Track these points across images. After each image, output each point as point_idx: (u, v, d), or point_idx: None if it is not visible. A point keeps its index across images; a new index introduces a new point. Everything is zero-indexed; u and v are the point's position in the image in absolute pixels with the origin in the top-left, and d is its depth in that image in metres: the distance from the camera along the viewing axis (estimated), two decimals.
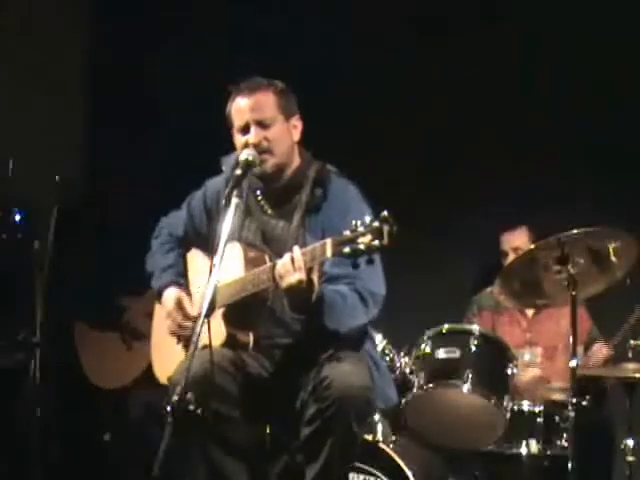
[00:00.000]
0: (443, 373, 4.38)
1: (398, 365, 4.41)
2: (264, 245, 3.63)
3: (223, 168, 3.76)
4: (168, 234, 3.91)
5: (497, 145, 5.61)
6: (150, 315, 3.99)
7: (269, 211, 3.67)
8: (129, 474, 5.14)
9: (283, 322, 3.56)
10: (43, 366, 4.64)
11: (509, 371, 4.45)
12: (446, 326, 4.50)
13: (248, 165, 3.49)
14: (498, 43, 5.58)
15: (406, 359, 4.44)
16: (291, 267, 3.27)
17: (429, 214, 5.54)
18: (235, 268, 3.49)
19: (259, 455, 3.68)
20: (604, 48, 5.36)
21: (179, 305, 3.69)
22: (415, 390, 4.37)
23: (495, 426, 4.38)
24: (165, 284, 3.77)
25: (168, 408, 2.97)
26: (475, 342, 4.41)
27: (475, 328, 4.51)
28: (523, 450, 4.52)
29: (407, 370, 4.41)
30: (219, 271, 3.18)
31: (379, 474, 4.12)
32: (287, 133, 3.61)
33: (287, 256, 3.29)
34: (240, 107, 3.59)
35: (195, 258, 3.86)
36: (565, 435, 4.45)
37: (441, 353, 4.41)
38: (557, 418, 4.53)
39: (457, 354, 4.39)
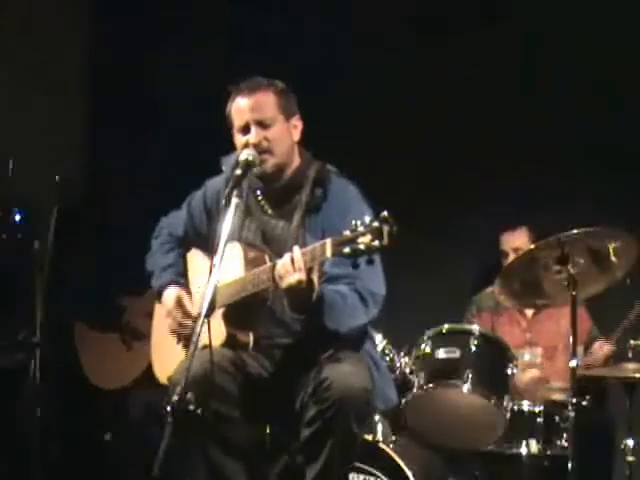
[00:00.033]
0: (443, 373, 4.38)
1: (398, 365, 4.41)
2: (264, 245, 3.63)
3: (223, 168, 3.76)
4: (168, 234, 3.91)
5: (497, 145, 5.61)
6: (150, 315, 4.00)
7: (269, 211, 3.67)
8: (129, 474, 5.14)
9: (283, 322, 3.56)
10: (43, 366, 4.64)
11: (509, 371, 4.45)
12: (446, 326, 4.50)
13: (248, 165, 3.49)
14: (498, 43, 5.58)
15: (406, 359, 4.44)
16: (291, 267, 3.27)
17: (429, 214, 5.54)
18: (235, 268, 3.49)
19: (259, 455, 3.68)
20: (604, 48, 5.36)
21: (179, 304, 3.69)
22: (415, 390, 4.37)
23: (495, 426, 4.37)
24: (165, 283, 3.77)
25: (168, 408, 2.97)
26: (475, 342, 4.41)
27: (475, 328, 4.51)
28: (523, 450, 4.52)
29: (407, 370, 4.41)
30: (219, 271, 3.18)
31: (379, 474, 4.12)
32: (287, 133, 3.61)
33: (287, 256, 3.29)
34: (240, 107, 3.59)
35: (195, 258, 3.86)
36: (565, 435, 4.45)
37: (441, 353, 4.41)
38: (557, 418, 4.53)
39: (457, 354, 4.39)
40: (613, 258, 4.12)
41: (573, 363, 4.05)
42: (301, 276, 3.26)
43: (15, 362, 4.84)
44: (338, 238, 3.12)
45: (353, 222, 3.09)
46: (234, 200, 3.35)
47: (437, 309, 5.20)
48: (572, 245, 4.07)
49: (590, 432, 4.33)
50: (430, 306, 5.35)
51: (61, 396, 5.28)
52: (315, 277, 3.31)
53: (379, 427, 4.26)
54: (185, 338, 3.67)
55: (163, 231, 3.93)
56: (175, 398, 2.98)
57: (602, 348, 4.81)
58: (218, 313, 3.41)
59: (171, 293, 3.73)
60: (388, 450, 4.18)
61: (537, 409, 4.55)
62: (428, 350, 4.43)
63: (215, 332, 3.18)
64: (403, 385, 4.37)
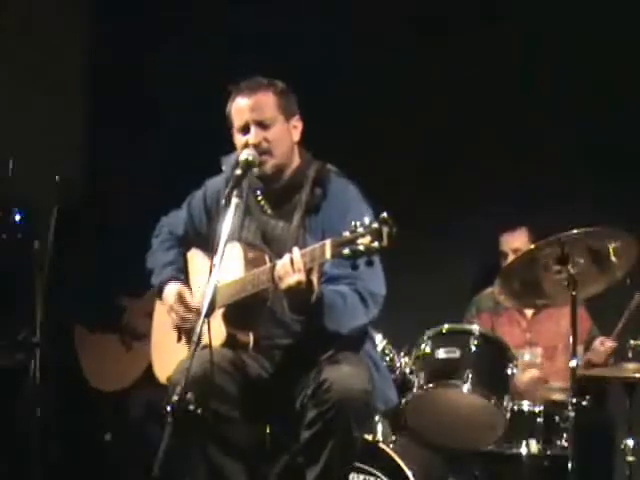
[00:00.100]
0: (443, 373, 4.38)
1: (398, 365, 4.41)
2: (264, 245, 3.63)
3: (223, 168, 3.76)
4: (168, 232, 3.91)
5: (497, 145, 5.61)
6: (150, 315, 4.00)
7: (269, 211, 3.67)
8: (129, 474, 5.13)
9: (283, 323, 3.55)
10: (43, 366, 4.64)
11: (509, 371, 4.45)
12: (446, 326, 4.50)
13: (248, 165, 3.49)
14: (498, 43, 5.58)
15: (406, 359, 4.44)
16: (290, 268, 3.26)
17: (429, 214, 5.54)
18: (235, 268, 3.49)
19: (259, 455, 3.68)
20: (604, 48, 5.36)
21: (181, 298, 3.69)
22: (415, 390, 4.37)
23: (495, 426, 4.37)
24: (166, 279, 3.77)
25: (168, 408, 2.97)
26: (475, 342, 4.41)
27: (475, 328, 4.51)
28: (523, 450, 4.52)
29: (407, 370, 4.41)
30: (219, 271, 3.18)
31: (379, 474, 4.12)
32: (287, 133, 3.61)
33: (286, 257, 3.29)
34: (240, 107, 3.58)
35: (195, 258, 3.86)
36: (565, 435, 4.45)
37: (441, 353, 4.41)
38: (557, 418, 4.53)
39: (457, 354, 4.39)
40: (613, 258, 4.12)
41: (573, 363, 4.05)
42: (300, 277, 3.25)
43: (15, 362, 4.84)
44: (337, 239, 3.12)
45: (352, 223, 3.08)
46: (234, 200, 3.36)
47: (437, 309, 5.20)
48: (572, 245, 4.07)
49: (590, 432, 4.33)
50: (430, 306, 5.35)
51: (61, 396, 5.28)
52: (315, 278, 3.31)
53: (379, 427, 4.26)
54: (187, 333, 3.67)
55: (163, 230, 3.94)
56: (175, 398, 2.98)
57: (604, 344, 4.81)
58: (218, 313, 3.41)
59: (172, 289, 3.73)
60: (388, 450, 4.18)
61: (537, 409, 4.55)
62: (428, 350, 4.43)
63: (215, 332, 3.18)
64: (403, 385, 4.37)
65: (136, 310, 5.34)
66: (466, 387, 4.32)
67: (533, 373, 4.95)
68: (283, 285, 3.30)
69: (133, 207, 5.45)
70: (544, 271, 4.21)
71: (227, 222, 3.30)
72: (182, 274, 3.81)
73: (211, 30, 5.92)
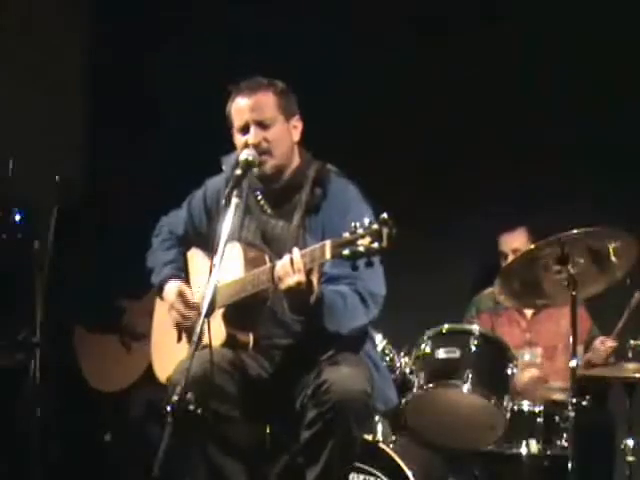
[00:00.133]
0: (443, 373, 4.38)
1: (398, 365, 4.41)
2: (264, 245, 3.63)
3: (223, 168, 3.76)
4: (168, 232, 3.91)
5: (497, 145, 5.61)
6: (150, 315, 3.99)
7: (269, 211, 3.67)
8: (129, 474, 5.13)
9: (283, 323, 3.55)
10: (43, 366, 4.64)
11: (509, 371, 4.45)
12: (446, 326, 4.50)
13: (248, 165, 3.49)
14: (498, 43, 5.58)
15: (406, 359, 4.44)
16: (290, 269, 3.26)
17: (429, 214, 5.54)
18: (235, 268, 3.49)
19: (259, 455, 3.68)
20: (604, 48, 5.36)
21: (181, 296, 3.68)
22: (415, 390, 4.37)
23: (495, 426, 4.37)
24: (166, 277, 3.77)
25: (168, 408, 2.97)
26: (475, 342, 4.41)
27: (475, 328, 4.51)
28: (523, 450, 4.52)
29: (407, 370, 4.41)
30: (219, 271, 3.18)
31: (379, 474, 4.12)
32: (287, 133, 3.60)
33: (286, 258, 3.29)
34: (240, 107, 3.58)
35: (195, 258, 3.86)
36: (565, 435, 4.45)
37: (441, 353, 4.41)
38: (557, 418, 4.53)
39: (457, 354, 4.39)
40: (613, 258, 4.12)
41: (573, 363, 4.05)
42: (300, 278, 3.25)
43: (15, 362, 4.84)
44: (337, 240, 3.12)
45: (352, 224, 3.08)
46: (234, 200, 3.35)
47: (437, 309, 5.20)
48: (572, 245, 4.07)
49: (590, 432, 4.32)
50: (430, 306, 5.35)
51: (61, 396, 5.28)
52: (315, 279, 3.31)
53: (379, 427, 4.26)
54: (188, 331, 3.66)
55: (164, 229, 3.94)
56: (175, 398, 2.98)
57: (604, 344, 4.81)
58: (218, 313, 3.41)
59: (172, 286, 3.73)
60: (388, 450, 4.18)
61: (537, 409, 4.55)
62: (428, 350, 4.43)
63: (215, 332, 3.19)
64: (403, 385, 4.37)
65: (136, 310, 5.34)
66: (466, 387, 4.32)
67: (533, 373, 4.94)
68: (283, 285, 3.30)
69: (133, 207, 5.45)
70: (544, 271, 4.21)
71: (227, 222, 3.30)
72: (182, 273, 3.81)
73: (211, 30, 5.92)
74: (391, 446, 4.23)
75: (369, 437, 4.19)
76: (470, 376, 4.32)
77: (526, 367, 4.96)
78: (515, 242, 5.20)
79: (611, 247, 4.09)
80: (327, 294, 3.38)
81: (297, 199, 3.61)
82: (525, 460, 4.53)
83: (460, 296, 5.47)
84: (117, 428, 5.42)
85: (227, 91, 3.64)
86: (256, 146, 3.52)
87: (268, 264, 3.43)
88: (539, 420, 4.53)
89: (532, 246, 4.28)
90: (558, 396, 4.75)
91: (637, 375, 4.32)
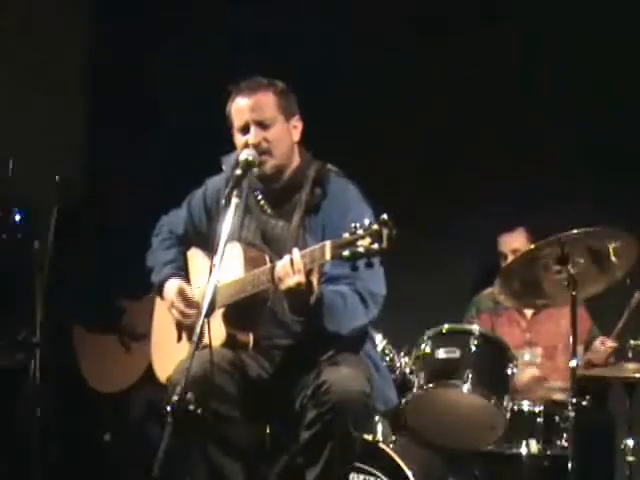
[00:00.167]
0: (443, 373, 4.38)
1: (398, 365, 4.41)
2: (264, 245, 3.63)
3: (223, 168, 3.76)
4: (168, 231, 3.91)
5: (497, 145, 5.61)
6: (150, 316, 3.99)
7: (269, 211, 3.67)
8: (129, 474, 5.13)
9: (283, 323, 3.55)
10: (43, 366, 4.64)
11: (509, 371, 4.45)
12: (446, 326, 4.50)
13: (248, 165, 3.49)
14: (498, 43, 5.58)
15: (406, 359, 4.44)
16: (290, 269, 3.26)
17: (429, 214, 5.54)
18: (235, 268, 3.49)
19: (259, 455, 3.68)
20: (604, 48, 5.36)
21: (181, 293, 3.68)
22: (415, 390, 4.37)
23: (495, 426, 4.37)
24: (166, 276, 3.77)
25: (168, 408, 2.97)
26: (475, 342, 4.41)
27: (475, 328, 4.51)
28: (523, 450, 4.52)
29: (407, 370, 4.41)
30: (219, 271, 3.18)
31: (379, 474, 4.12)
32: (287, 133, 3.60)
33: (286, 258, 3.29)
34: (240, 107, 3.58)
35: (195, 257, 3.86)
36: (565, 435, 4.45)
37: (441, 353, 4.41)
38: (557, 418, 4.53)
39: (457, 354, 4.39)
40: (613, 258, 4.12)
41: (573, 363, 4.05)
42: (300, 278, 3.25)
43: (15, 362, 4.84)
44: (337, 241, 3.12)
45: (352, 225, 3.08)
46: (234, 200, 3.35)
47: (437, 309, 5.20)
48: (572, 245, 4.07)
49: (590, 432, 4.32)
50: (430, 306, 5.35)
51: (61, 396, 5.28)
52: (314, 279, 3.30)
53: (379, 427, 4.26)
54: (189, 330, 3.66)
55: (163, 229, 3.94)
56: (175, 398, 2.98)
57: (604, 344, 4.81)
58: (218, 313, 3.41)
59: (172, 284, 3.73)
60: (388, 450, 4.18)
61: (537, 409, 4.55)
62: (428, 350, 4.43)
63: (215, 332, 3.18)
64: (403, 385, 4.37)
65: (136, 311, 5.34)
66: (466, 387, 4.32)
67: (533, 371, 4.94)
68: (283, 286, 3.30)
69: (133, 207, 5.44)
70: (544, 271, 4.20)
71: (227, 222, 3.30)
72: (182, 272, 3.81)
73: (211, 30, 5.92)
74: (391, 446, 4.23)
75: (369, 437, 4.19)
76: (470, 376, 4.32)
77: (526, 367, 4.96)
78: (514, 242, 5.20)
79: (611, 247, 4.09)
80: (327, 294, 3.38)
81: (297, 199, 3.61)
82: (525, 460, 4.53)
83: (460, 296, 5.47)
84: (117, 428, 5.42)
85: (227, 91, 3.64)
86: (256, 146, 3.52)
87: (268, 264, 3.43)
88: (539, 420, 4.53)
89: (532, 246, 4.28)
90: (558, 396, 4.75)
91: (637, 375, 4.32)
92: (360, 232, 3.06)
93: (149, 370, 3.93)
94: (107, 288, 5.36)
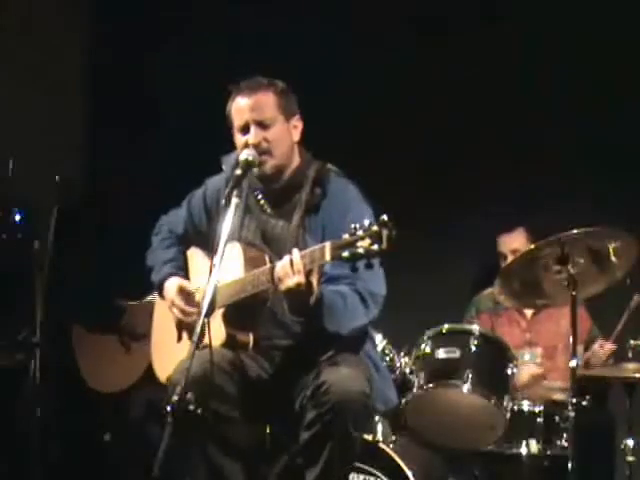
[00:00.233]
0: (443, 373, 4.38)
1: (398, 365, 4.41)
2: (264, 245, 3.63)
3: (223, 167, 3.76)
4: (168, 231, 3.91)
5: (497, 145, 5.61)
6: (150, 316, 3.99)
7: (269, 210, 3.67)
8: (129, 474, 5.13)
9: (283, 323, 3.55)
10: (43, 366, 4.64)
11: (509, 371, 4.46)
12: (446, 326, 4.50)
13: (248, 165, 3.49)
14: (498, 43, 5.58)
15: (406, 359, 4.44)
16: (290, 270, 3.26)
17: (429, 214, 5.54)
18: (235, 268, 3.49)
19: (259, 455, 3.68)
20: (604, 48, 5.36)
21: (182, 291, 3.68)
22: (415, 390, 4.37)
23: (495, 426, 4.37)
24: (166, 275, 3.77)
25: (168, 408, 2.97)
26: (475, 342, 4.41)
27: (475, 328, 4.52)
28: (523, 450, 4.52)
29: (407, 370, 4.41)
30: (219, 271, 3.18)
31: (379, 474, 4.12)
32: (287, 133, 3.60)
33: (286, 259, 3.29)
34: (240, 107, 3.58)
35: (195, 257, 3.86)
36: (565, 435, 4.45)
37: (441, 353, 4.41)
38: (557, 418, 4.53)
39: (457, 354, 4.39)
40: (613, 258, 4.12)
41: (573, 363, 4.05)
42: (300, 279, 3.25)
43: (15, 362, 4.84)
44: (337, 242, 3.12)
45: (352, 226, 3.08)
46: (234, 200, 3.35)
47: (437, 309, 5.20)
48: (572, 245, 4.07)
49: (590, 432, 4.32)
50: (430, 306, 5.35)
51: (61, 396, 5.27)
52: (314, 280, 3.30)
53: (379, 427, 4.26)
54: (189, 328, 3.65)
55: (163, 228, 3.94)
56: (175, 398, 2.98)
57: (603, 347, 4.81)
58: (218, 313, 3.41)
59: (172, 283, 3.72)
60: (388, 450, 4.18)
61: (537, 409, 4.55)
62: (428, 350, 4.43)
63: (215, 332, 3.18)
64: (403, 385, 4.37)
65: (135, 311, 5.33)
66: (466, 387, 4.32)
67: (532, 370, 4.94)
68: (283, 286, 3.29)
69: (133, 207, 5.44)
70: (544, 271, 4.21)
71: (227, 222, 3.30)
72: (182, 271, 3.81)
73: (211, 30, 5.92)
74: (391, 446, 4.23)
75: (369, 437, 4.19)
76: (470, 376, 4.32)
77: (526, 366, 4.96)
78: (514, 243, 5.20)
79: (611, 247, 4.09)
80: (327, 294, 3.38)
81: (297, 199, 3.61)
82: (525, 460, 4.53)
83: (460, 296, 5.47)
84: (117, 428, 5.41)
85: (227, 91, 3.64)
86: (256, 146, 3.52)
87: (268, 265, 3.43)
88: (539, 420, 4.53)
89: (532, 246, 4.28)
90: (558, 396, 4.76)
91: (637, 375, 4.32)
92: (360, 233, 3.06)
93: (149, 370, 3.93)
94: (107, 288, 5.35)
